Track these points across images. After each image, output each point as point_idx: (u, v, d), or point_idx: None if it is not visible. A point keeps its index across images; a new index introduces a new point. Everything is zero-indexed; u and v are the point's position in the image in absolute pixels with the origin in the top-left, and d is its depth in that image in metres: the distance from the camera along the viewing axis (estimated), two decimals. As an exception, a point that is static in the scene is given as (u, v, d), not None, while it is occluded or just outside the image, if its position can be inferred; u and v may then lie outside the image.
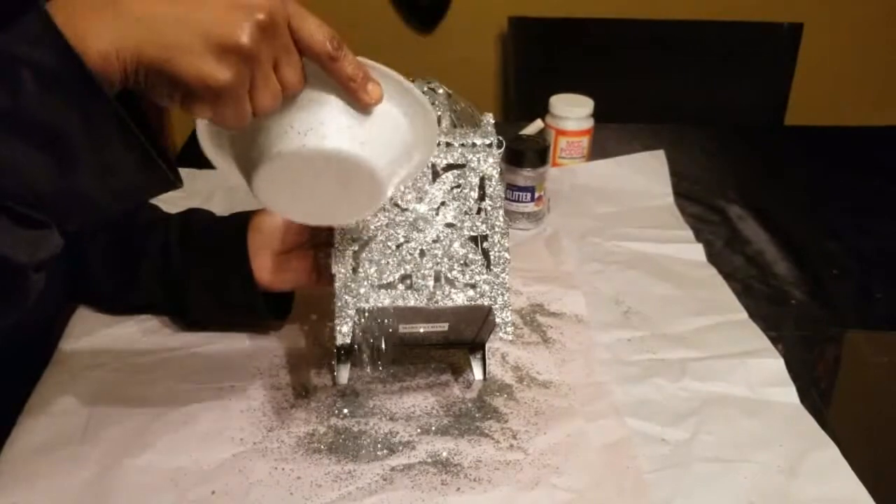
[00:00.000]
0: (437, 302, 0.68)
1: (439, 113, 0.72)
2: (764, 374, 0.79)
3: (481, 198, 0.71)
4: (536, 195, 1.03)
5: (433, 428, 0.71)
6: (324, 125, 0.54)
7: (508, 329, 0.69)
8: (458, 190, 0.71)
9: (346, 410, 0.73)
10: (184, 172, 1.12)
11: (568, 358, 0.81)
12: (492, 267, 0.69)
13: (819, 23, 1.81)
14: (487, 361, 0.76)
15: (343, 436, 0.70)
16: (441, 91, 0.75)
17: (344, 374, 0.75)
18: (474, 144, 0.72)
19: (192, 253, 0.78)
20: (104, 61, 0.47)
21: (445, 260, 0.69)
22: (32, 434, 0.69)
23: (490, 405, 0.74)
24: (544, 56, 1.78)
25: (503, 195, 0.73)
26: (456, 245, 0.69)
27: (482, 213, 0.70)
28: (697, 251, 1.00)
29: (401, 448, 0.69)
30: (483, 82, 1.99)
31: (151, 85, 0.49)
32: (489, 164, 0.72)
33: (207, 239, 0.78)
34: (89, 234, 0.79)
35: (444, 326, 0.71)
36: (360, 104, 0.54)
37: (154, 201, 0.80)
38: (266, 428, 0.71)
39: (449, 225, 0.70)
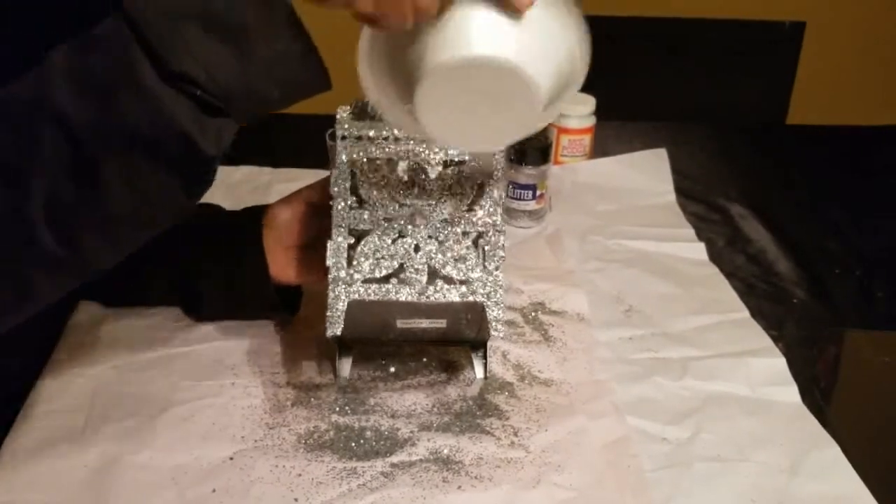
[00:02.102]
0: (428, 297, 0.68)
1: None
2: (765, 373, 0.79)
3: (480, 194, 0.71)
4: (538, 193, 1.03)
5: (434, 425, 0.71)
6: (482, 33, 0.53)
7: (500, 327, 0.70)
8: (458, 186, 0.71)
9: (347, 408, 0.73)
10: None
11: (569, 356, 0.81)
12: (486, 264, 0.69)
13: (821, 21, 1.81)
14: (489, 360, 0.76)
15: (344, 433, 0.70)
16: None
17: (345, 367, 0.75)
18: None
19: (205, 248, 0.78)
20: None
21: (439, 255, 0.69)
22: (32, 431, 0.69)
23: (491, 403, 0.74)
24: (546, 54, 1.77)
25: (503, 192, 0.73)
26: (451, 241, 0.69)
27: (480, 211, 0.70)
28: (699, 250, 1.00)
29: (402, 445, 0.69)
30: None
31: None
32: (489, 161, 0.71)
33: (220, 234, 0.78)
34: None
35: (443, 323, 0.71)
36: (514, 8, 0.53)
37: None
38: (267, 425, 0.71)
39: (445, 221, 0.70)
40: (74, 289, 0.58)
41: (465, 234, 0.71)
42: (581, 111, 1.15)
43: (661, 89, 1.73)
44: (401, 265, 0.70)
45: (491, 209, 0.71)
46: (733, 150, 1.31)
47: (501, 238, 0.70)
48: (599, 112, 1.16)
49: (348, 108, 0.72)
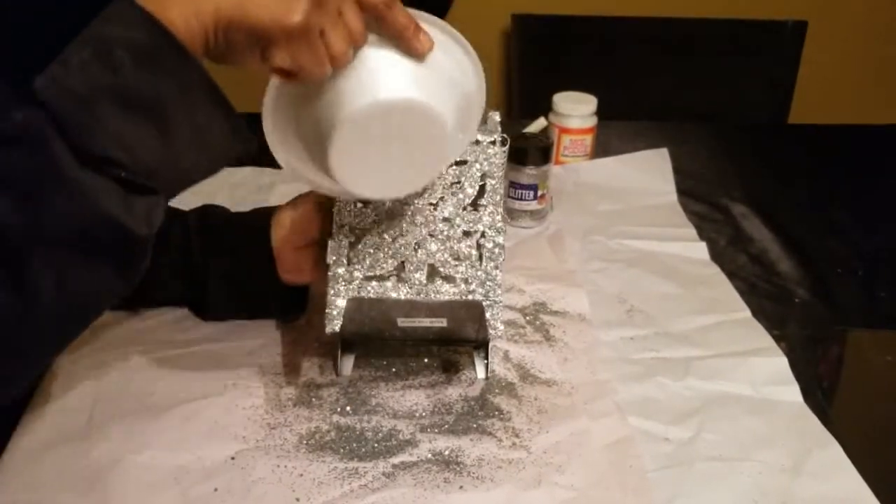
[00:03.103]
0: (427, 295, 0.68)
1: None
2: (767, 372, 0.79)
3: (481, 194, 0.71)
4: (539, 193, 1.03)
5: (436, 426, 0.71)
6: (389, 78, 0.57)
7: (499, 325, 0.70)
8: (458, 185, 0.71)
9: (348, 408, 0.73)
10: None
11: (571, 356, 0.81)
12: (485, 263, 0.69)
13: (823, 21, 1.81)
14: (490, 360, 0.76)
15: (346, 433, 0.70)
16: None
17: (347, 366, 0.75)
18: (478, 141, 0.72)
19: (214, 249, 0.78)
20: (188, 29, 0.51)
21: (439, 254, 0.69)
22: (36, 431, 0.69)
23: (492, 403, 0.74)
24: (548, 53, 1.77)
25: (504, 193, 0.73)
26: (451, 240, 0.69)
27: (481, 210, 0.71)
28: (701, 249, 1.00)
29: (403, 446, 0.69)
30: (486, 80, 1.99)
31: (232, 42, 0.53)
32: (491, 161, 0.72)
33: (229, 234, 0.78)
34: None
35: (443, 322, 0.71)
36: (415, 53, 0.58)
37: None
38: (268, 425, 0.71)
39: (446, 220, 0.70)
40: None
41: (465, 233, 0.71)
42: (583, 111, 1.15)
43: (662, 89, 1.73)
44: (401, 263, 0.70)
45: (492, 209, 0.71)
46: (735, 149, 1.31)
47: (501, 238, 0.70)
48: (601, 112, 1.16)
49: None
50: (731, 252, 1.02)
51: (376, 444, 0.69)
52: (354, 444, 0.69)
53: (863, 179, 1.22)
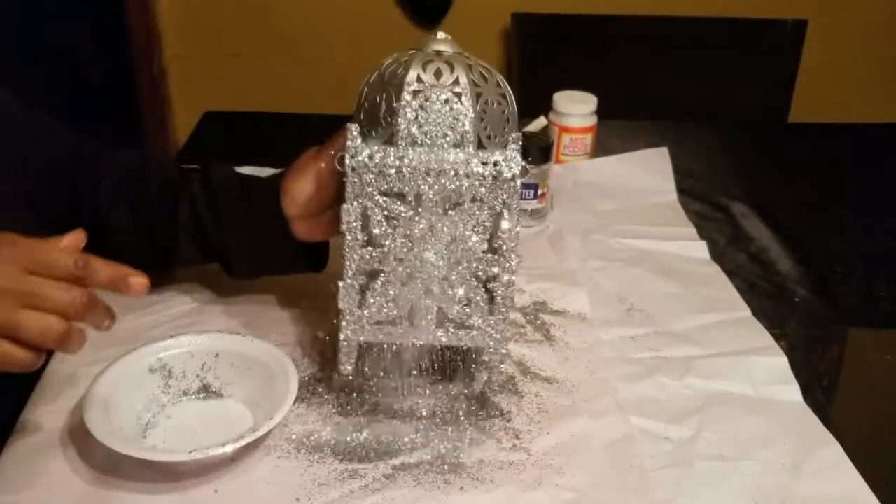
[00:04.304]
0: (437, 340, 0.69)
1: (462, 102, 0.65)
2: (767, 371, 0.79)
3: (493, 236, 0.67)
4: (539, 192, 1.03)
5: (436, 427, 0.71)
6: None
7: (502, 369, 0.71)
8: (470, 228, 0.67)
9: (349, 409, 0.73)
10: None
11: (571, 356, 0.81)
12: (494, 310, 0.68)
13: (823, 19, 1.81)
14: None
15: (346, 434, 0.70)
16: (455, 51, 0.68)
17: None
18: (494, 177, 0.66)
19: (227, 223, 0.79)
20: None
21: (448, 299, 0.68)
22: (35, 430, 0.69)
23: (493, 403, 0.74)
24: (547, 52, 1.78)
25: (518, 232, 0.67)
26: (461, 286, 0.68)
27: (492, 258, 0.67)
28: (701, 248, 1.00)
29: (404, 447, 0.69)
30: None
31: None
32: (505, 199, 0.67)
33: (241, 208, 0.78)
34: (108, 205, 0.81)
35: (452, 362, 0.73)
36: (132, 295, 0.60)
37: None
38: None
39: (456, 263, 0.68)
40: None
41: (476, 279, 0.68)
42: (583, 110, 1.15)
43: (662, 88, 1.73)
44: (411, 308, 0.69)
45: (505, 251, 0.68)
46: (735, 148, 1.31)
47: (512, 287, 0.68)
48: (601, 111, 1.16)
49: (356, 126, 0.67)
50: (731, 251, 1.02)
51: (377, 445, 0.69)
52: (355, 446, 0.69)
53: (863, 178, 1.22)
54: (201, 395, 0.73)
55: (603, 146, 1.20)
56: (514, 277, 0.68)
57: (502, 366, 0.71)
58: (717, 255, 0.99)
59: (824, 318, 0.91)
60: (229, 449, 0.63)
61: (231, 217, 0.78)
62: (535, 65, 1.77)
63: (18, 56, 1.43)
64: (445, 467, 0.67)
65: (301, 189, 0.75)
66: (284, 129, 1.34)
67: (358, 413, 0.72)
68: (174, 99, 2.05)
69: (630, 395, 0.76)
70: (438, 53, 0.67)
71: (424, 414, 0.72)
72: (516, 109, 0.69)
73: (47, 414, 0.71)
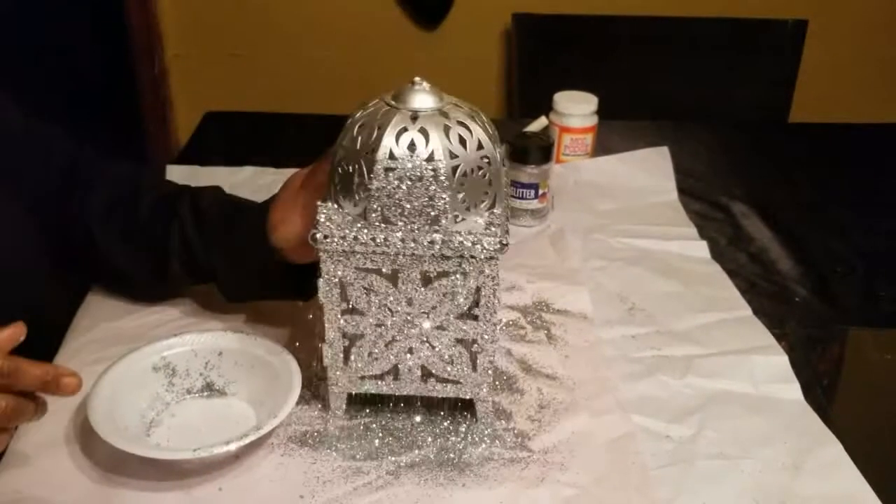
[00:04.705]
0: (421, 393, 0.71)
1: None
2: (768, 371, 0.79)
3: (475, 303, 0.67)
4: (540, 192, 1.04)
5: (439, 425, 0.71)
6: None
7: (488, 420, 0.71)
8: (451, 297, 0.66)
9: (352, 407, 0.73)
10: (187, 169, 1.12)
11: (572, 354, 0.81)
12: (478, 367, 0.69)
13: (823, 19, 1.81)
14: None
15: (350, 432, 0.70)
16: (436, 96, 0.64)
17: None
18: (473, 257, 0.64)
19: (216, 249, 0.78)
20: None
21: (433, 359, 0.69)
22: (38, 428, 0.69)
23: (495, 402, 0.74)
24: (548, 53, 1.78)
25: (499, 301, 0.67)
26: (443, 348, 0.69)
27: (474, 320, 0.67)
28: (701, 248, 1.01)
29: (407, 444, 0.69)
30: (487, 79, 1.99)
31: None
32: (487, 274, 0.65)
33: (229, 236, 0.78)
34: (100, 223, 0.80)
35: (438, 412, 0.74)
36: (66, 395, 0.60)
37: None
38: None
39: (439, 328, 0.68)
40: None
41: (458, 340, 0.68)
42: (583, 110, 1.16)
43: (663, 88, 1.73)
44: (395, 366, 0.70)
45: (486, 318, 0.67)
46: (735, 148, 1.32)
47: (494, 347, 0.68)
48: (602, 111, 1.17)
49: (329, 206, 0.64)
50: (731, 251, 1.02)
51: (380, 443, 0.69)
52: (358, 443, 0.69)
53: (863, 178, 1.22)
54: (205, 394, 0.74)
55: (603, 146, 1.20)
56: (496, 340, 0.68)
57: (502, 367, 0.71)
58: (717, 255, 1.00)
59: (824, 318, 0.91)
60: (233, 447, 0.63)
61: (219, 242, 0.78)
62: (536, 65, 1.78)
63: (19, 56, 1.43)
64: (448, 465, 0.67)
65: (288, 228, 0.74)
66: (284, 129, 1.34)
67: (362, 411, 0.72)
68: (175, 99, 2.05)
69: (631, 393, 0.76)
70: (414, 118, 0.62)
71: (427, 412, 0.73)
72: (502, 165, 0.64)
73: (51, 412, 0.71)
